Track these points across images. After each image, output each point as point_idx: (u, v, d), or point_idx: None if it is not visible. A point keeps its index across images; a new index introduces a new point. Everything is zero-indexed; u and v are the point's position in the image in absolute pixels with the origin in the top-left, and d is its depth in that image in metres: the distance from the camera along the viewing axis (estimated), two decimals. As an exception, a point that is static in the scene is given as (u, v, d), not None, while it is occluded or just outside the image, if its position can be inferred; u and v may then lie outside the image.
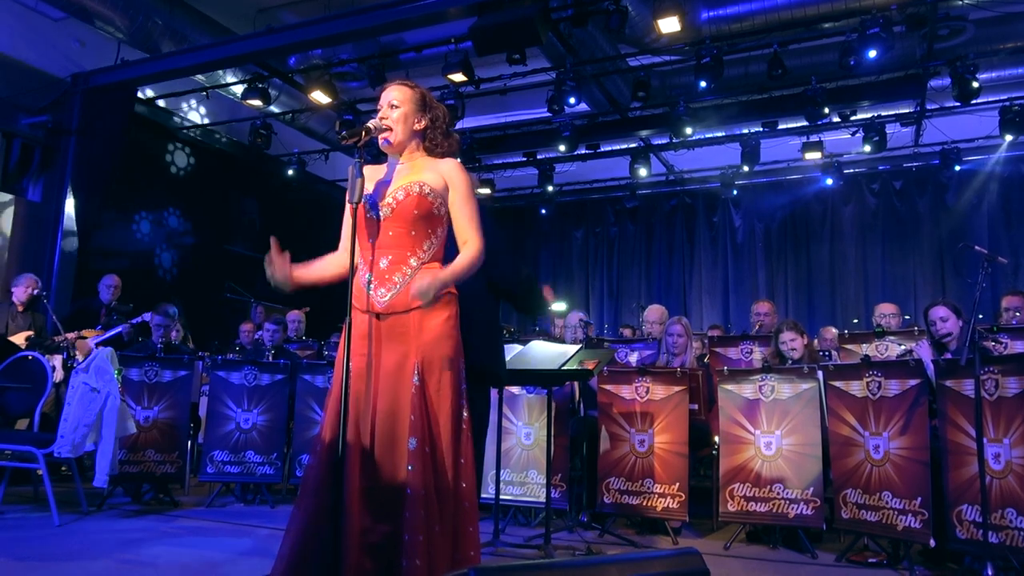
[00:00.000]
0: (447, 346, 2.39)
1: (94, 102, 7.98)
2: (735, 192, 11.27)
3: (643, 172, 10.20)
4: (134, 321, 6.22)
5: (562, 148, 9.39)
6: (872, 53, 6.69)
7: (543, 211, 12.24)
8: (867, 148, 9.06)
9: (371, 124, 2.44)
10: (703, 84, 7.36)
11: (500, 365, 3.41)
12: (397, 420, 2.30)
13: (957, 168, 9.87)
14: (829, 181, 10.65)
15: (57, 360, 5.62)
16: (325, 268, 2.58)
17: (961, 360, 3.49)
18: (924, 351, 4.03)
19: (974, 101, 7.56)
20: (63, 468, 5.53)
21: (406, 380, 2.32)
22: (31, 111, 7.89)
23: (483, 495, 4.64)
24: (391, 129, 2.47)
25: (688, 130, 8.63)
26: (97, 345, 5.71)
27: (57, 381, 5.34)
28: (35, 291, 6.02)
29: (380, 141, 2.48)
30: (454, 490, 2.32)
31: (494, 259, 3.29)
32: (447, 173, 2.48)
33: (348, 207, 2.46)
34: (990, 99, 8.12)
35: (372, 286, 2.39)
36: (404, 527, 2.19)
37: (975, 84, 7.31)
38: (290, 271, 2.51)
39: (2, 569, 3.27)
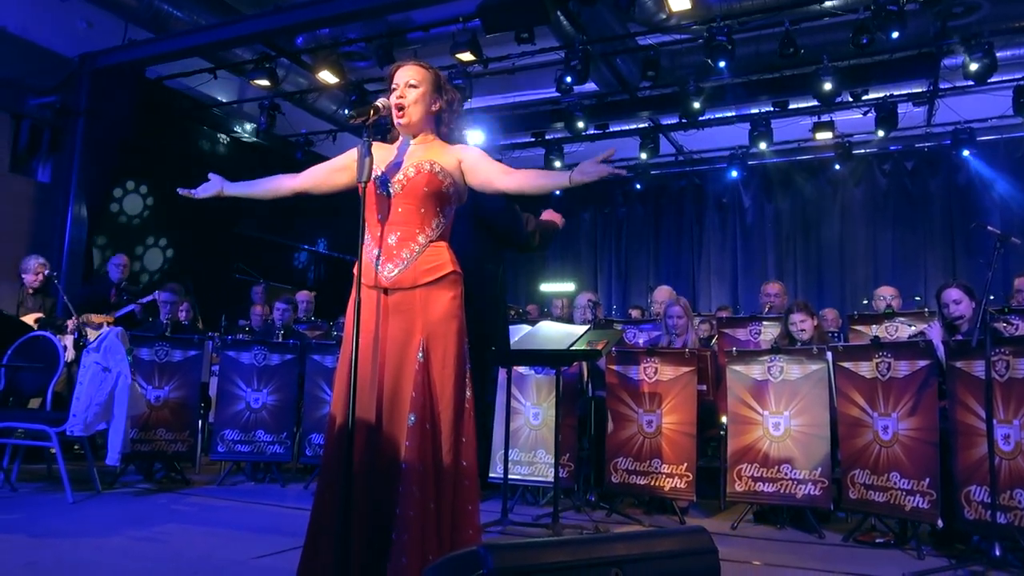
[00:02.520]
0: (452, 325, 2.40)
1: (102, 82, 7.96)
2: (744, 173, 11.18)
3: (645, 156, 10.12)
4: (143, 300, 6.25)
5: (580, 125, 9.31)
6: (895, 35, 6.62)
7: (554, 192, 12.18)
8: (880, 133, 8.97)
9: (380, 103, 2.43)
10: (721, 64, 7.24)
11: (502, 339, 3.46)
12: (399, 396, 2.34)
13: (969, 149, 9.76)
14: (837, 167, 10.59)
15: (68, 340, 5.66)
16: (260, 182, 2.69)
17: (972, 341, 3.47)
18: (935, 332, 4.01)
19: (988, 80, 7.47)
20: (76, 447, 5.58)
21: (410, 357, 2.35)
22: (39, 92, 7.88)
23: (491, 474, 4.68)
24: (405, 108, 2.46)
25: (696, 105, 8.53)
26: (110, 324, 5.75)
27: (69, 361, 5.37)
28: (45, 273, 6.05)
29: (395, 120, 2.48)
30: (454, 468, 2.34)
31: (495, 218, 3.33)
32: (458, 152, 2.51)
33: (337, 159, 2.60)
34: (1004, 78, 8.00)
35: (380, 261, 2.40)
36: (398, 501, 2.24)
37: (989, 63, 7.21)
38: (221, 188, 2.71)
39: (17, 546, 3.32)
